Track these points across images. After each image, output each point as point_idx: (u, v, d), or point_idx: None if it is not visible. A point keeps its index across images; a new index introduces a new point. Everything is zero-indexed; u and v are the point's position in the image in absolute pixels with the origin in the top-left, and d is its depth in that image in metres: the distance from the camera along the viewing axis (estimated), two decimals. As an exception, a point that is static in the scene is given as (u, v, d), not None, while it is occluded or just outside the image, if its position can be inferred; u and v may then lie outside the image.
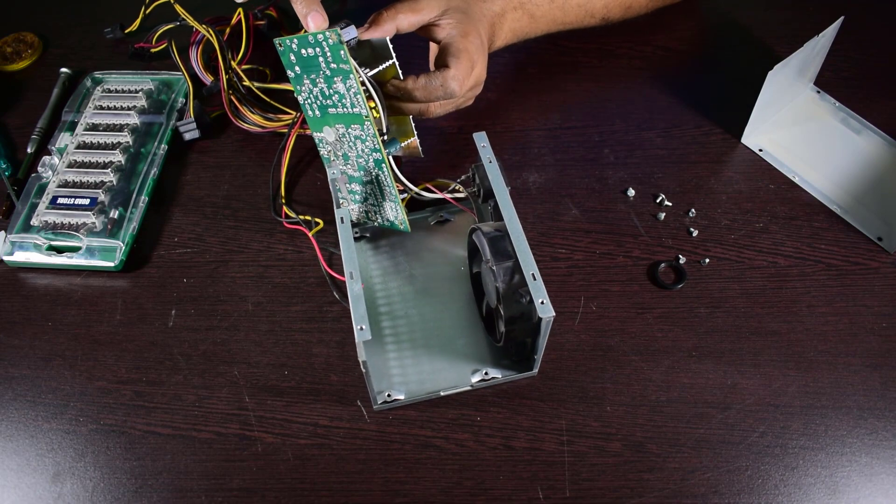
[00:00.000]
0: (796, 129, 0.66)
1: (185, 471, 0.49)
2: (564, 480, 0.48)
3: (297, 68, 0.51)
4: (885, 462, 0.48)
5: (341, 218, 0.49)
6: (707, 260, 0.57)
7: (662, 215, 0.60)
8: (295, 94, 0.52)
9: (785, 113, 0.67)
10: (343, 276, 0.55)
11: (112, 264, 0.57)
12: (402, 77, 0.54)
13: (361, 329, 0.44)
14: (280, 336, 0.54)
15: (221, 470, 0.49)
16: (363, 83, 0.49)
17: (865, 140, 0.64)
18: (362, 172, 0.54)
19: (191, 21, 0.67)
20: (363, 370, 0.46)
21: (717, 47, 0.73)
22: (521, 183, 0.62)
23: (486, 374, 0.51)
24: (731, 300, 0.55)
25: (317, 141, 0.54)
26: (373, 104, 0.50)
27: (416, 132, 0.57)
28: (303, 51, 0.50)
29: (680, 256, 0.58)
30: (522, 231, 0.48)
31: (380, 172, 0.53)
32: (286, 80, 0.67)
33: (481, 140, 0.53)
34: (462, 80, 0.56)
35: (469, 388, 0.51)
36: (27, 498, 0.48)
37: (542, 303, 0.44)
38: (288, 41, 0.50)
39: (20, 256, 0.58)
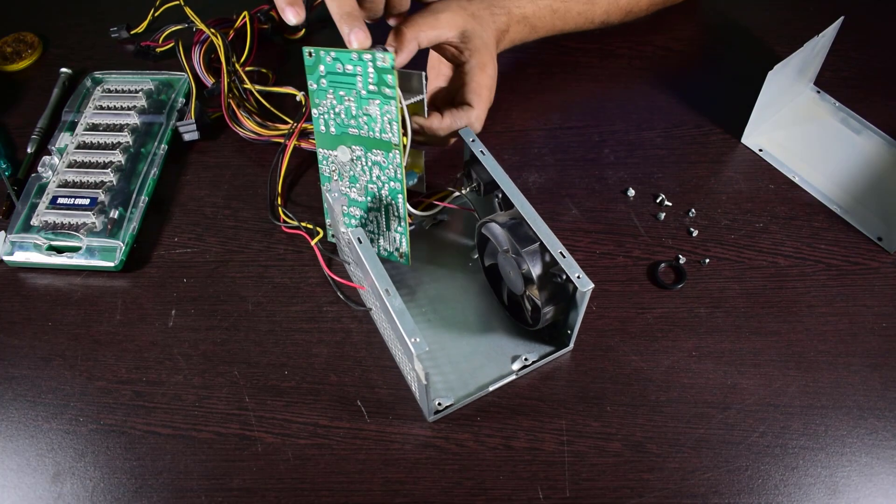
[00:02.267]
0: (796, 129, 0.66)
1: (185, 471, 0.49)
2: (564, 480, 0.48)
3: (323, 81, 0.50)
4: (885, 462, 0.48)
5: (358, 238, 0.48)
6: (707, 260, 0.57)
7: (662, 215, 0.60)
8: (311, 108, 0.51)
9: (785, 113, 0.67)
10: (351, 283, 0.55)
11: (112, 264, 0.57)
12: (426, 113, 0.54)
13: (416, 341, 0.43)
14: (280, 336, 0.54)
15: (221, 470, 0.49)
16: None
17: (865, 140, 0.64)
18: (370, 199, 0.53)
19: (198, 24, 0.67)
20: (422, 384, 0.45)
21: (717, 47, 0.73)
22: (521, 183, 0.62)
23: (525, 359, 0.52)
24: (731, 300, 0.55)
25: (321, 157, 0.53)
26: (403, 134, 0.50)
27: (424, 167, 0.57)
28: (339, 66, 0.49)
29: (680, 256, 0.58)
30: (538, 214, 0.48)
31: (393, 203, 0.52)
32: (287, 83, 0.67)
33: (468, 135, 0.53)
34: (483, 117, 0.57)
35: (514, 376, 0.51)
36: (27, 498, 0.48)
37: (579, 277, 0.45)
38: (323, 53, 0.49)
39: (20, 256, 0.58)
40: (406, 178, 0.52)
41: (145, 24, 0.73)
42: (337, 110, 0.51)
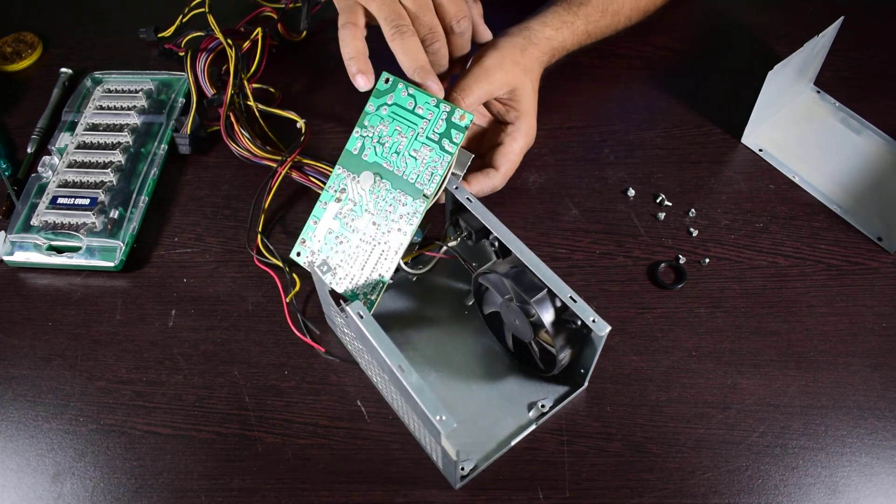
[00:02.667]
0: (796, 129, 0.66)
1: (185, 471, 0.49)
2: (564, 480, 0.48)
3: (384, 109, 0.51)
4: (885, 462, 0.48)
5: (359, 313, 0.44)
6: (707, 260, 0.57)
7: (662, 215, 0.60)
8: (356, 126, 0.51)
9: (785, 113, 0.67)
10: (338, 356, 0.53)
11: (112, 264, 0.57)
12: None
13: (443, 419, 0.40)
14: (280, 336, 0.54)
15: (221, 470, 0.49)
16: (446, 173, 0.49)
17: (865, 140, 0.64)
18: (364, 233, 0.51)
19: (217, 33, 0.67)
20: (454, 459, 0.43)
21: (717, 47, 0.73)
22: (521, 183, 0.62)
23: (542, 406, 0.50)
24: (731, 300, 0.55)
25: (335, 174, 0.51)
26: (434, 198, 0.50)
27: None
28: (410, 102, 0.50)
29: (680, 256, 0.58)
30: (539, 259, 0.46)
31: (390, 248, 0.50)
32: (291, 104, 0.66)
33: (451, 182, 0.51)
34: (509, 177, 0.58)
35: (534, 426, 0.49)
36: (27, 498, 0.48)
37: (594, 321, 0.44)
38: (402, 85, 0.50)
39: (20, 256, 0.58)
40: (416, 234, 0.52)
41: (173, 28, 0.73)
42: (383, 140, 0.51)
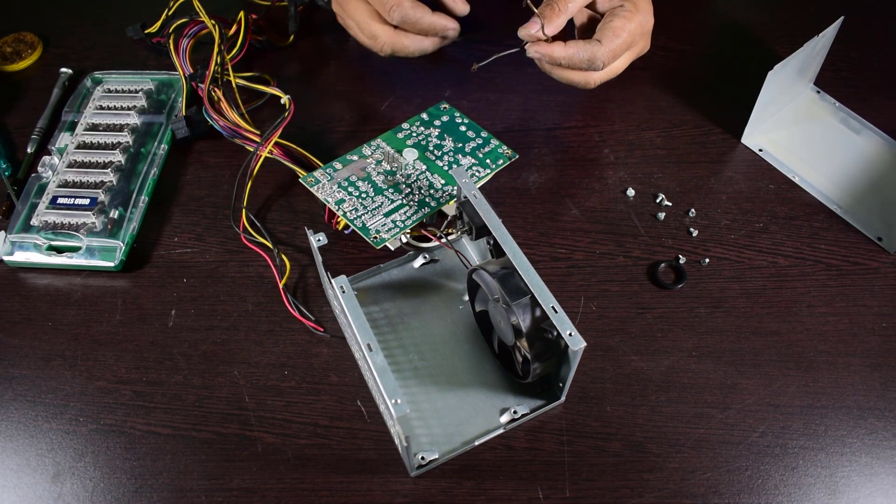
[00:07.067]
0: (796, 129, 0.66)
1: (185, 471, 0.49)
2: (564, 480, 0.48)
3: (437, 122, 0.59)
4: (885, 462, 0.48)
5: (341, 287, 0.45)
6: (707, 260, 0.57)
7: (662, 215, 0.60)
8: (407, 122, 0.58)
9: (785, 113, 0.67)
10: (317, 325, 0.54)
11: (112, 264, 0.57)
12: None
13: (397, 403, 0.40)
14: (280, 336, 0.54)
15: (221, 470, 0.49)
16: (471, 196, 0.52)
17: (865, 140, 0.64)
18: (393, 192, 0.54)
19: (203, 15, 0.67)
20: (404, 444, 0.44)
21: (717, 47, 0.73)
22: (522, 183, 0.62)
23: (514, 412, 0.50)
24: (731, 300, 0.55)
25: (374, 142, 0.57)
26: (453, 203, 0.55)
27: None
28: (462, 127, 0.58)
29: (680, 256, 0.58)
30: (531, 264, 0.46)
31: (412, 209, 0.54)
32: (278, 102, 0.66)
33: (461, 176, 0.51)
34: (611, 61, 0.55)
35: (502, 430, 0.49)
36: (27, 498, 0.48)
37: (571, 334, 0.43)
38: (458, 115, 0.59)
39: (20, 256, 0.58)
40: (428, 216, 0.54)
41: (159, 23, 0.73)
42: (430, 140, 0.58)
